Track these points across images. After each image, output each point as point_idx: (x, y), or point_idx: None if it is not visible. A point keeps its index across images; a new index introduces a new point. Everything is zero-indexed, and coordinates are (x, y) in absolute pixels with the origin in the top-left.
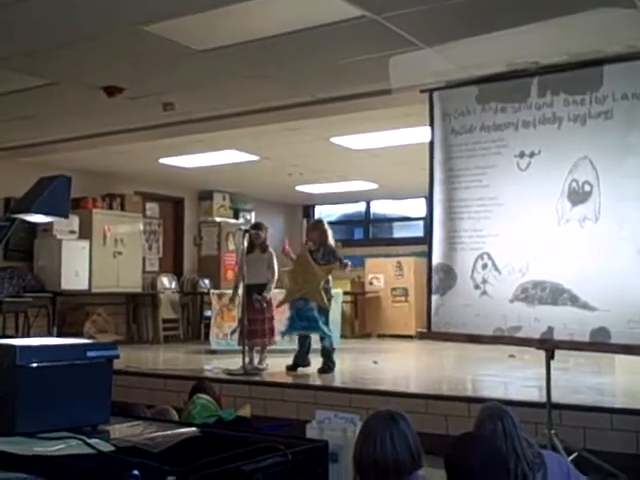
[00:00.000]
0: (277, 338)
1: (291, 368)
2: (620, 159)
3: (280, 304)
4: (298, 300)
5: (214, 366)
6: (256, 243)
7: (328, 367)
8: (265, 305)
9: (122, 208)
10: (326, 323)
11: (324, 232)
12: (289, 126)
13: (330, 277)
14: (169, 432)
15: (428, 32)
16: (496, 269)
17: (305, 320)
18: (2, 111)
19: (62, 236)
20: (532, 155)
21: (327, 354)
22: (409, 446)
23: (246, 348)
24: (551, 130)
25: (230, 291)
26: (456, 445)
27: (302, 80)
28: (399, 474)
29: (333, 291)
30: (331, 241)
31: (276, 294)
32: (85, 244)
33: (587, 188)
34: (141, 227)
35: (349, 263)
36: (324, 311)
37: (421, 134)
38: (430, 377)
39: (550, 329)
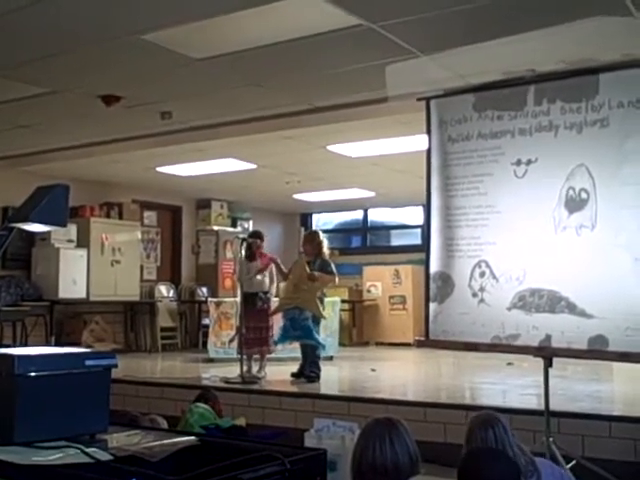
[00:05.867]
0: (277, 347)
1: (296, 376)
2: (616, 167)
3: (273, 313)
4: (293, 309)
5: (212, 375)
6: (255, 251)
7: (316, 375)
8: (265, 306)
9: (120, 217)
10: (318, 332)
11: (319, 244)
12: (286, 134)
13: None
14: (167, 441)
15: (425, 40)
16: (494, 277)
17: (299, 330)
18: None
19: (60, 245)
20: (529, 163)
21: (315, 362)
22: (408, 450)
23: (244, 356)
24: (548, 138)
25: (229, 299)
26: (472, 459)
27: (299, 88)
28: (398, 478)
29: (331, 299)
30: (326, 251)
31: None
32: (83, 253)
33: (584, 196)
34: (139, 235)
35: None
36: (318, 320)
37: (418, 142)
38: (428, 385)
39: (548, 337)
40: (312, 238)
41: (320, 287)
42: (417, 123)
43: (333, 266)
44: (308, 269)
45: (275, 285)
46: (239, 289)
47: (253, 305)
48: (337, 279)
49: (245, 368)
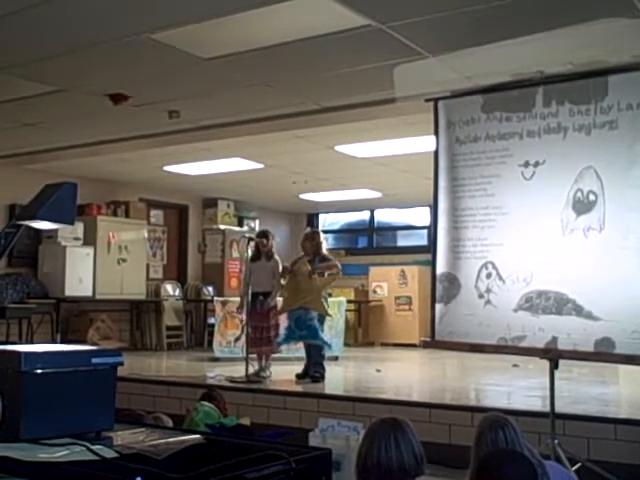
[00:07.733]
0: (281, 347)
1: (301, 377)
2: (625, 169)
3: (278, 313)
4: (298, 309)
5: (217, 374)
6: (262, 251)
7: (321, 375)
8: (265, 309)
9: (127, 215)
10: (323, 332)
11: (318, 243)
12: (294, 134)
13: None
14: (172, 439)
15: (433, 41)
16: (500, 278)
17: (305, 329)
18: (8, 118)
19: (66, 243)
20: (537, 165)
21: (320, 362)
22: (413, 450)
23: (250, 356)
24: (556, 140)
25: (234, 299)
26: (492, 459)
27: (307, 88)
28: (403, 478)
29: (337, 299)
30: (325, 251)
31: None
32: (89, 251)
33: (592, 198)
34: (145, 234)
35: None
36: (323, 319)
37: (426, 143)
38: (433, 386)
39: (554, 339)
40: (312, 237)
41: (326, 283)
42: (425, 124)
43: (333, 258)
44: (309, 267)
45: (280, 285)
46: (244, 288)
47: (260, 305)
48: (339, 265)
49: (251, 368)
